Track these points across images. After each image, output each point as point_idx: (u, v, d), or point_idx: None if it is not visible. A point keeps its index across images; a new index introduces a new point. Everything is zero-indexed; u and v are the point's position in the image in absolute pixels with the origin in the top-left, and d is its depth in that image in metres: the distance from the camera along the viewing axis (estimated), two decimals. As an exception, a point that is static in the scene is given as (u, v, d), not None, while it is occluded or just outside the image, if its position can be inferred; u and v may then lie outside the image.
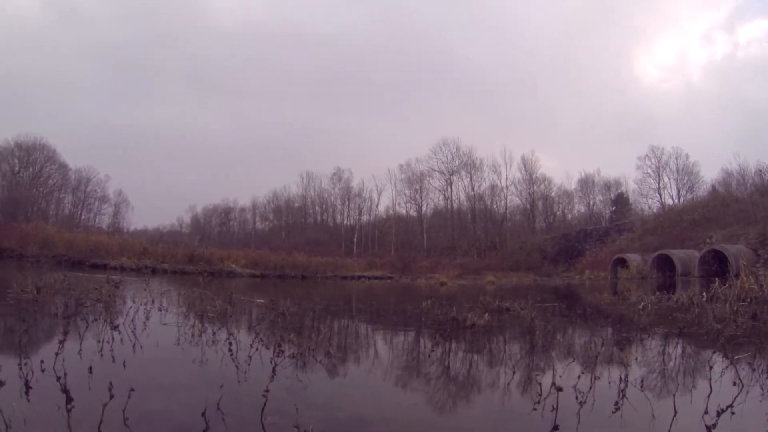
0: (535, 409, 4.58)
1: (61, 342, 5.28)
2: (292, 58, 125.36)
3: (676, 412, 4.23)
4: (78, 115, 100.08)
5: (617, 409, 4.52)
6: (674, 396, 4.43)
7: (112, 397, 3.56)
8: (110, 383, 3.58)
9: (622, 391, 4.93)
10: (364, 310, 17.02)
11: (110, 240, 39.16)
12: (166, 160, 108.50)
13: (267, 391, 3.80)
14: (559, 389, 4.19)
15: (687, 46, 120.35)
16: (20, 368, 4.62)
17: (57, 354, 5.18)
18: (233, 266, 35.48)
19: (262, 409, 3.73)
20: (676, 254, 38.00)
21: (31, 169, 69.00)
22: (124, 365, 5.79)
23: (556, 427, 4.15)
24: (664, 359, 8.06)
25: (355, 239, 71.21)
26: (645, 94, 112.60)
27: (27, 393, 4.17)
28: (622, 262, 42.78)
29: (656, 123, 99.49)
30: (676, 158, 64.59)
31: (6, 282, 13.45)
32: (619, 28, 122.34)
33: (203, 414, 3.76)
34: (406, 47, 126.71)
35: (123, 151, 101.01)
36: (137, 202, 79.72)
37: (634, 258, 41.86)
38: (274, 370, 5.37)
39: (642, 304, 14.17)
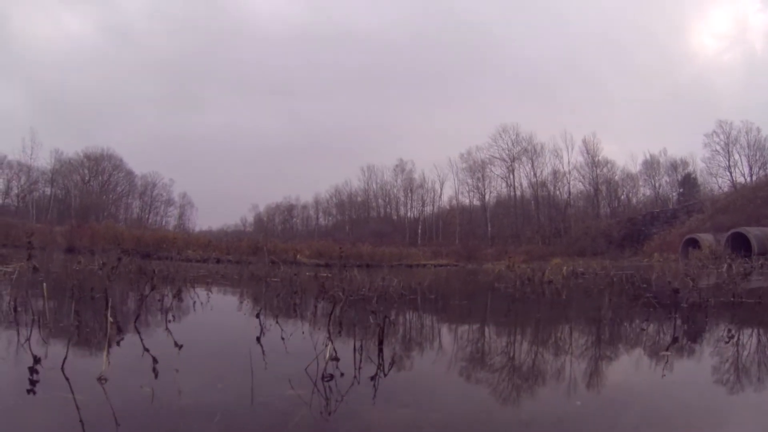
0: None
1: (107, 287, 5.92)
2: (342, 55, 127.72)
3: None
4: (141, 125, 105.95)
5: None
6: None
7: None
8: (114, 312, 4.26)
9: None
10: (432, 284, 17.47)
11: (176, 235, 41.01)
12: (228, 163, 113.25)
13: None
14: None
15: (746, 12, 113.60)
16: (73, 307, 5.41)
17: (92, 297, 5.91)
18: (298, 256, 36.29)
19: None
20: (752, 232, 36.50)
21: (100, 178, 74.75)
22: (166, 313, 6.49)
23: (675, 339, 4.49)
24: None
25: (419, 230, 71.77)
26: (705, 67, 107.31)
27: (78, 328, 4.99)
28: (693, 243, 41.47)
29: (721, 97, 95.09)
30: (747, 133, 61.37)
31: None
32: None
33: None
34: (455, 36, 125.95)
35: (185, 156, 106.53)
36: (201, 204, 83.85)
37: (706, 238, 40.40)
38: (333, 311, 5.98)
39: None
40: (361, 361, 4.25)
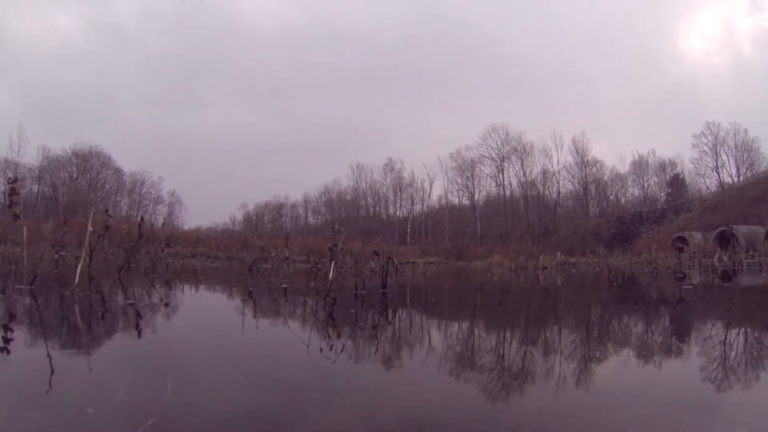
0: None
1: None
2: (333, 55, 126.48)
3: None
4: (130, 123, 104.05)
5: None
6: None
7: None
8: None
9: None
10: (422, 273, 17.42)
11: (165, 231, 40.88)
12: (218, 162, 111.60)
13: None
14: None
15: (734, 15, 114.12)
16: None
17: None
18: (287, 252, 35.99)
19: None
20: (740, 230, 36.68)
21: (88, 175, 73.72)
22: (153, 267, 6.29)
23: (681, 300, 4.37)
24: None
25: (409, 229, 71.61)
26: (694, 69, 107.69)
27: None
28: (682, 241, 41.64)
29: (709, 99, 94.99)
30: (734, 134, 61.14)
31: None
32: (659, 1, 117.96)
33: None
34: (445, 36, 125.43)
35: (176, 154, 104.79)
36: (190, 203, 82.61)
37: (694, 236, 40.58)
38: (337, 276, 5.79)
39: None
40: (362, 306, 4.04)
